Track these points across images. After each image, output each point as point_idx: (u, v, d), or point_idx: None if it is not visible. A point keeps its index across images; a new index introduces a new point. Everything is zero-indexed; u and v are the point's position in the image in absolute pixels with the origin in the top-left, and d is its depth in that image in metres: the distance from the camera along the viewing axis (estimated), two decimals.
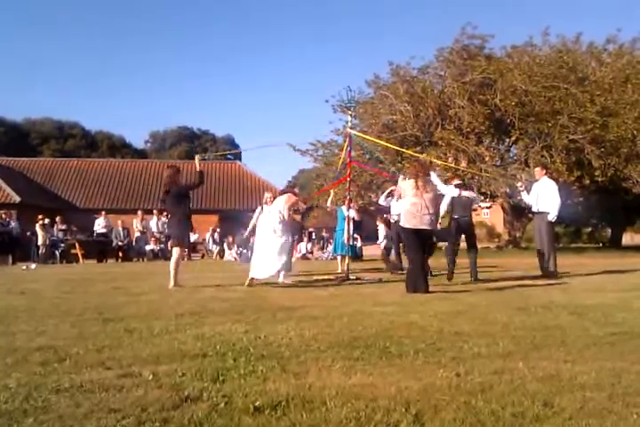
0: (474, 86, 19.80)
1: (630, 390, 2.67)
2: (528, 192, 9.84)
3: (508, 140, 21.31)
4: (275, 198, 9.40)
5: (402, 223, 7.38)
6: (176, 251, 8.19)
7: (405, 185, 7.46)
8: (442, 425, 2.23)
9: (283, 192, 9.22)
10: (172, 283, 7.98)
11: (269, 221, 8.44)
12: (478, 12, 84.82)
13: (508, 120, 19.72)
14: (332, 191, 13.87)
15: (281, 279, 8.42)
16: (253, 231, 10.11)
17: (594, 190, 20.37)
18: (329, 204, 13.07)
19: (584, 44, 21.78)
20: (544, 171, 10.05)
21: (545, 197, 9.46)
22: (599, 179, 18.67)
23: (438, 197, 7.54)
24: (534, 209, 9.76)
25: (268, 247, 8.24)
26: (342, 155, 12.09)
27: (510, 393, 2.62)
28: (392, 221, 11.17)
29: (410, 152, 16.44)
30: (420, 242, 7.23)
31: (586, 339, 3.91)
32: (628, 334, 4.11)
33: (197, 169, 8.44)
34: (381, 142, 15.68)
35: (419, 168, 7.45)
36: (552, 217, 9.35)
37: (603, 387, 2.72)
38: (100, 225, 19.35)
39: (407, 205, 7.26)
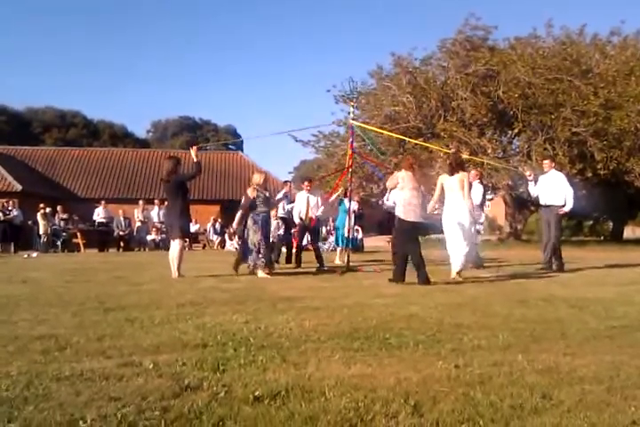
0: (477, 78, 19.73)
1: (629, 384, 2.68)
2: (535, 183, 9.70)
3: (510, 132, 21.25)
4: (264, 180, 8.68)
5: (402, 216, 7.30)
6: (178, 242, 8.16)
7: (402, 177, 7.30)
8: (440, 416, 2.24)
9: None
10: (176, 273, 7.99)
11: (459, 206, 7.60)
12: (482, 2, 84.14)
13: (511, 112, 19.66)
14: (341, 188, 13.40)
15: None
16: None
17: (596, 183, 20.33)
18: (334, 197, 12.84)
19: (588, 36, 21.68)
20: (553, 163, 9.89)
21: (554, 189, 9.29)
22: (601, 172, 18.64)
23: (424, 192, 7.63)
24: (542, 202, 9.57)
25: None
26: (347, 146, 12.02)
27: (509, 385, 2.63)
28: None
29: (415, 142, 16.43)
30: (417, 234, 7.27)
31: (585, 332, 3.91)
32: (627, 327, 4.11)
33: (195, 160, 8.41)
34: (384, 132, 15.65)
35: (413, 161, 7.42)
36: (568, 208, 9.21)
37: (601, 380, 2.73)
38: (99, 215, 19.33)
39: (407, 198, 7.23)
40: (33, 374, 2.80)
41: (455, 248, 7.55)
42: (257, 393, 2.47)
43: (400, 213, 7.36)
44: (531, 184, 9.77)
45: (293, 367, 2.94)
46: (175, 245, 8.17)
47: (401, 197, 7.41)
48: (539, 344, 3.53)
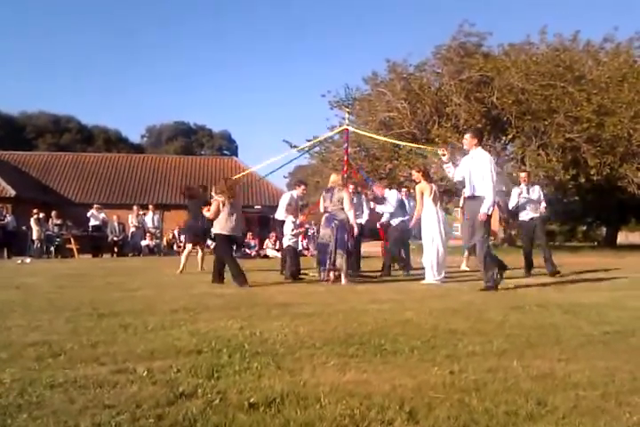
0: (471, 84, 19.86)
1: (624, 389, 2.68)
2: (455, 166, 7.38)
3: (504, 138, 21.35)
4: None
5: (220, 231, 8.01)
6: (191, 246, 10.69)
7: (222, 201, 8.01)
8: (436, 423, 2.23)
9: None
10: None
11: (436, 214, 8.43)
12: (476, 9, 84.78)
13: (505, 118, 19.78)
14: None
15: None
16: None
17: (589, 189, 20.45)
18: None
19: (581, 42, 21.89)
20: (475, 139, 7.18)
21: (479, 176, 6.99)
22: (595, 177, 18.74)
23: None
24: (467, 193, 7.16)
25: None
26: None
27: (504, 391, 2.62)
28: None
29: (410, 145, 16.51)
30: (230, 244, 8.34)
31: (580, 338, 3.92)
32: (621, 333, 4.12)
33: None
34: (379, 137, 15.72)
35: (223, 185, 8.24)
36: (486, 208, 6.80)
37: (596, 386, 2.73)
38: (93, 216, 19.14)
39: (226, 214, 7.97)
40: (26, 381, 2.78)
41: (426, 256, 8.35)
42: (252, 400, 2.46)
43: (220, 227, 8.02)
44: (447, 167, 7.44)
45: (288, 374, 2.93)
46: (189, 247, 10.71)
47: (221, 213, 8.04)
48: (533, 350, 3.53)
